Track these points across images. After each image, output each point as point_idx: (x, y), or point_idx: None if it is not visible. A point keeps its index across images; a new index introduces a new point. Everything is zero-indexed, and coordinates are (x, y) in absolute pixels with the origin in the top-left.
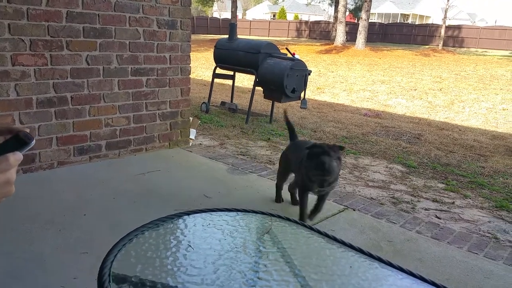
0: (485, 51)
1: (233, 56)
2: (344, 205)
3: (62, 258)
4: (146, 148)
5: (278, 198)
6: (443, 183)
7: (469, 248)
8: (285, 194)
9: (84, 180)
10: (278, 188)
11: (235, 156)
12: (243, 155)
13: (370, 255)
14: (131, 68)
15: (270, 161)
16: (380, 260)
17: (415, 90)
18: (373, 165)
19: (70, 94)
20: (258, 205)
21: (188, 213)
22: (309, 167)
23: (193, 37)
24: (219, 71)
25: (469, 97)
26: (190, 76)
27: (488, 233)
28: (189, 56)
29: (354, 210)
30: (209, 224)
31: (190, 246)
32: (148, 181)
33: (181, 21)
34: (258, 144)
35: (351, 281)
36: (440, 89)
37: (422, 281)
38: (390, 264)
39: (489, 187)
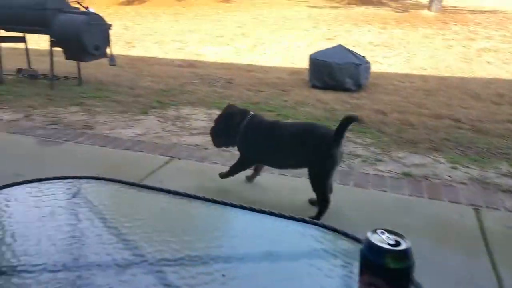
0: None
1: (15, 14)
2: (170, 156)
3: None
4: None
5: None
6: None
7: (279, 172)
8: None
9: None
10: None
11: (45, 127)
12: (55, 124)
13: (178, 193)
14: None
15: (87, 125)
16: (188, 196)
17: (222, 37)
18: (194, 114)
19: None
20: (77, 173)
21: None
22: None
23: None
24: (4, 33)
25: (268, 39)
26: None
27: None
28: None
29: (179, 159)
30: (10, 199)
31: None
32: None
33: None
34: (70, 110)
35: (162, 220)
36: (243, 34)
37: (225, 205)
38: (196, 197)
39: (293, 117)
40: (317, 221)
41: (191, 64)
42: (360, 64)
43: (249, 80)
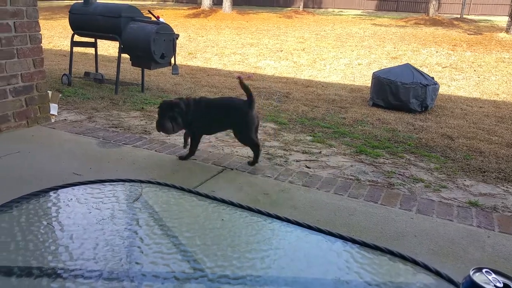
0: (341, 11)
1: (91, 21)
2: (223, 166)
3: None
4: (0, 129)
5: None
6: (310, 135)
7: (335, 191)
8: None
9: None
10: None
11: (106, 129)
12: (115, 127)
13: (241, 206)
14: None
15: (145, 131)
16: (249, 209)
17: (281, 51)
18: None
19: None
20: (134, 176)
21: (46, 191)
22: None
23: (46, 3)
24: (78, 38)
25: (329, 55)
26: (41, 45)
27: (351, 175)
28: (38, 22)
29: (232, 169)
30: (71, 199)
31: (50, 224)
32: (6, 165)
33: None
34: (131, 114)
35: (223, 232)
36: (303, 49)
37: (287, 222)
38: (259, 212)
39: (350, 135)
40: (405, 256)
41: (249, 76)
42: (427, 84)
43: (307, 95)
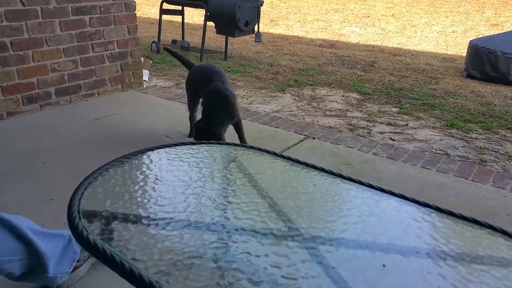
0: None
1: None
2: (305, 135)
3: (27, 208)
4: (98, 93)
5: (191, 131)
6: (396, 107)
7: (422, 165)
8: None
9: (37, 130)
10: (191, 119)
11: None
12: None
13: (332, 173)
14: (72, 7)
15: None
16: (341, 176)
17: (368, 17)
18: (330, 95)
19: (9, 39)
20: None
21: (152, 149)
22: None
23: None
24: (166, 6)
25: (421, 21)
26: (135, 12)
27: (440, 150)
28: None
29: (313, 138)
30: (174, 157)
31: (157, 179)
32: (105, 126)
33: None
34: None
35: (316, 197)
36: (392, 15)
37: (381, 191)
38: (351, 179)
39: (440, 108)
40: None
41: (332, 44)
42: None
43: (394, 64)
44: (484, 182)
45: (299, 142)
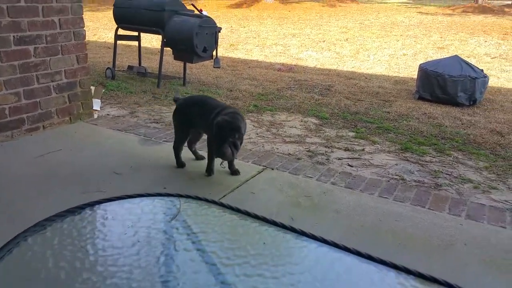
0: None
1: (135, 15)
2: (263, 165)
3: None
4: (43, 126)
5: (180, 162)
6: (353, 131)
7: (380, 194)
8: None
9: None
10: (176, 151)
11: (147, 125)
12: (157, 123)
13: (284, 226)
14: (14, 36)
15: None
16: (293, 230)
17: (324, 41)
18: (289, 120)
19: None
20: (173, 178)
21: (83, 207)
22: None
23: None
24: (122, 32)
25: (373, 45)
26: (85, 41)
27: (396, 175)
28: (82, 18)
29: (272, 169)
30: (107, 217)
31: (82, 247)
32: (49, 163)
33: None
34: (172, 109)
35: (266, 259)
36: (347, 39)
37: (334, 247)
38: (303, 233)
39: (395, 131)
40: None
41: (290, 68)
42: (477, 77)
43: (349, 88)
44: (441, 210)
45: (257, 174)
